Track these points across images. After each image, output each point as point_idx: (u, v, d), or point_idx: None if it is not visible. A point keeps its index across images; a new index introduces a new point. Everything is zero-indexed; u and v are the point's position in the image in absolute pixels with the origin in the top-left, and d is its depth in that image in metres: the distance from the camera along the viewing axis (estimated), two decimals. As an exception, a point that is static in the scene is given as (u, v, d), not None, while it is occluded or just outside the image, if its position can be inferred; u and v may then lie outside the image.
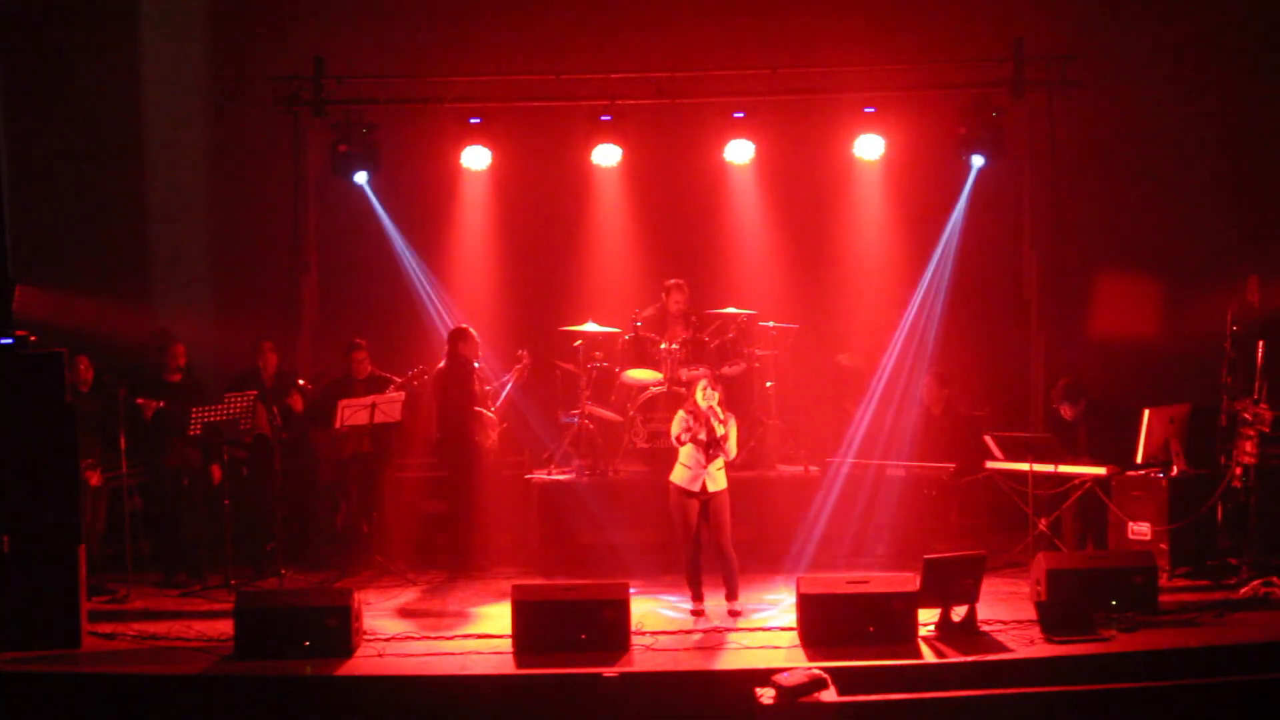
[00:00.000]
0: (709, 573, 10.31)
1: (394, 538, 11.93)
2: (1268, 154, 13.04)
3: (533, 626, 9.40)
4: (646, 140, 13.06)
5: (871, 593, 9.51)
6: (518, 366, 12.16)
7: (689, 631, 9.82)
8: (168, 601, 10.92)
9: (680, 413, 10.27)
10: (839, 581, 9.70)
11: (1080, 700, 8.58)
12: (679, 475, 10.21)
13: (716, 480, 10.20)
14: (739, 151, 12.93)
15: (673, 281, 12.56)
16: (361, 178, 12.80)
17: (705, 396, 10.13)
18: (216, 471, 11.41)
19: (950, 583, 9.62)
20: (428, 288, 13.11)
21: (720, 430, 10.08)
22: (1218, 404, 11.07)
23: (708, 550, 10.27)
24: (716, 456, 10.16)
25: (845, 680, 8.62)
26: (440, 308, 13.01)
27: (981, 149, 12.59)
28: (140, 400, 11.26)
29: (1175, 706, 8.54)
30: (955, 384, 12.25)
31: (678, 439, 10.18)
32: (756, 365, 12.43)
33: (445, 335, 11.98)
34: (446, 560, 11.69)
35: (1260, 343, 10.84)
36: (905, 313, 12.81)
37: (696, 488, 10.16)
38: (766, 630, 9.77)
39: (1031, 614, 9.71)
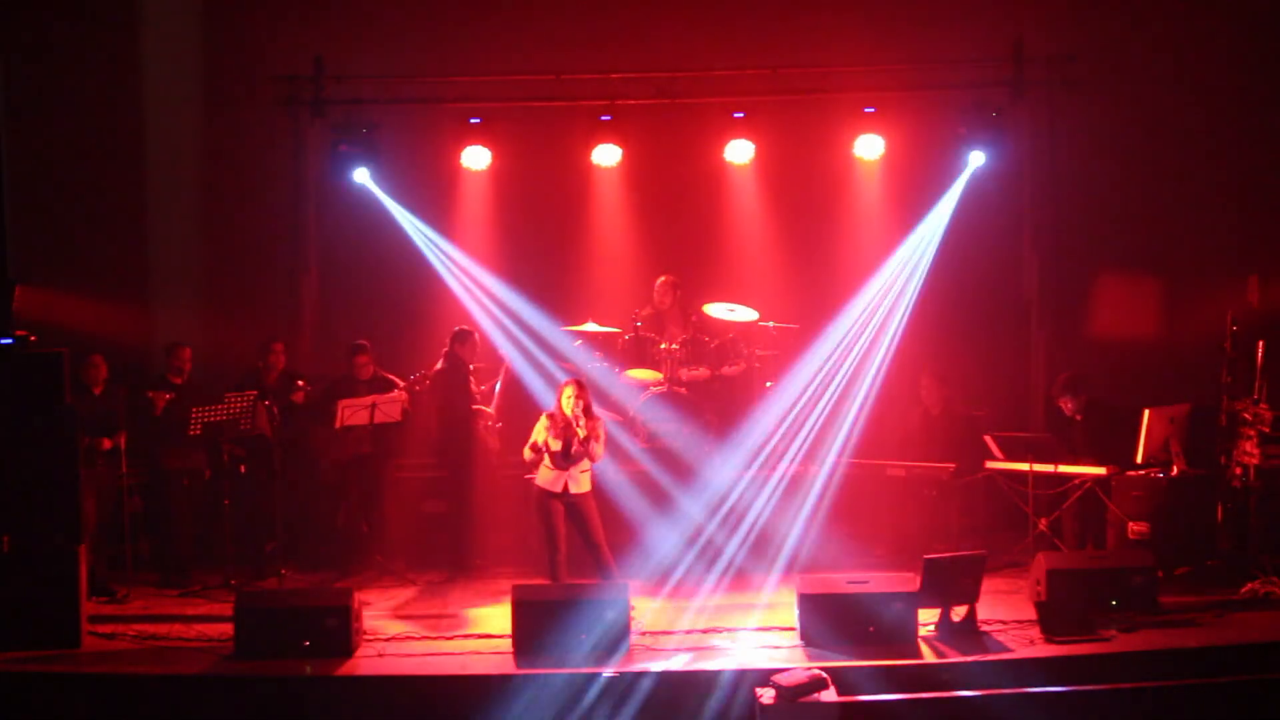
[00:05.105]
0: (580, 575, 10.46)
1: (394, 538, 11.93)
2: (1268, 154, 13.03)
3: (532, 626, 9.40)
4: (646, 140, 13.05)
5: (871, 593, 9.51)
6: (503, 366, 12.19)
7: (688, 632, 9.82)
8: (168, 601, 10.92)
9: (543, 417, 10.44)
10: (839, 581, 9.70)
11: (1080, 700, 8.60)
12: (542, 476, 10.39)
13: (579, 482, 10.39)
14: (739, 151, 12.93)
15: (660, 279, 12.63)
16: (363, 174, 12.79)
17: (570, 404, 10.29)
18: (207, 473, 11.46)
19: (950, 583, 9.62)
20: (430, 285, 13.10)
21: (582, 434, 10.23)
22: (1218, 404, 11.07)
23: (582, 553, 10.43)
24: (579, 460, 10.31)
25: (845, 680, 8.64)
26: (443, 307, 12.99)
27: (981, 149, 12.58)
28: (150, 393, 11.30)
29: (1175, 706, 8.56)
30: (954, 384, 12.25)
31: (534, 446, 10.36)
32: (756, 365, 12.44)
33: (449, 335, 11.95)
34: (446, 560, 11.69)
35: (1260, 343, 10.84)
36: (905, 312, 12.78)
37: (558, 489, 10.31)
38: (766, 630, 9.78)
39: (1031, 614, 9.72)
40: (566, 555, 10.41)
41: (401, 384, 11.72)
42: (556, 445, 10.33)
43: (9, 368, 9.86)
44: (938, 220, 12.77)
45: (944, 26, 13.04)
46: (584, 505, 10.43)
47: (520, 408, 11.99)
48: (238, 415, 11.20)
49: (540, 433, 10.44)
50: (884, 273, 12.77)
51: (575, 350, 12.33)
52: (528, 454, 10.49)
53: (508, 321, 12.59)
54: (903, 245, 12.82)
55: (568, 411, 10.35)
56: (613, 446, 12.11)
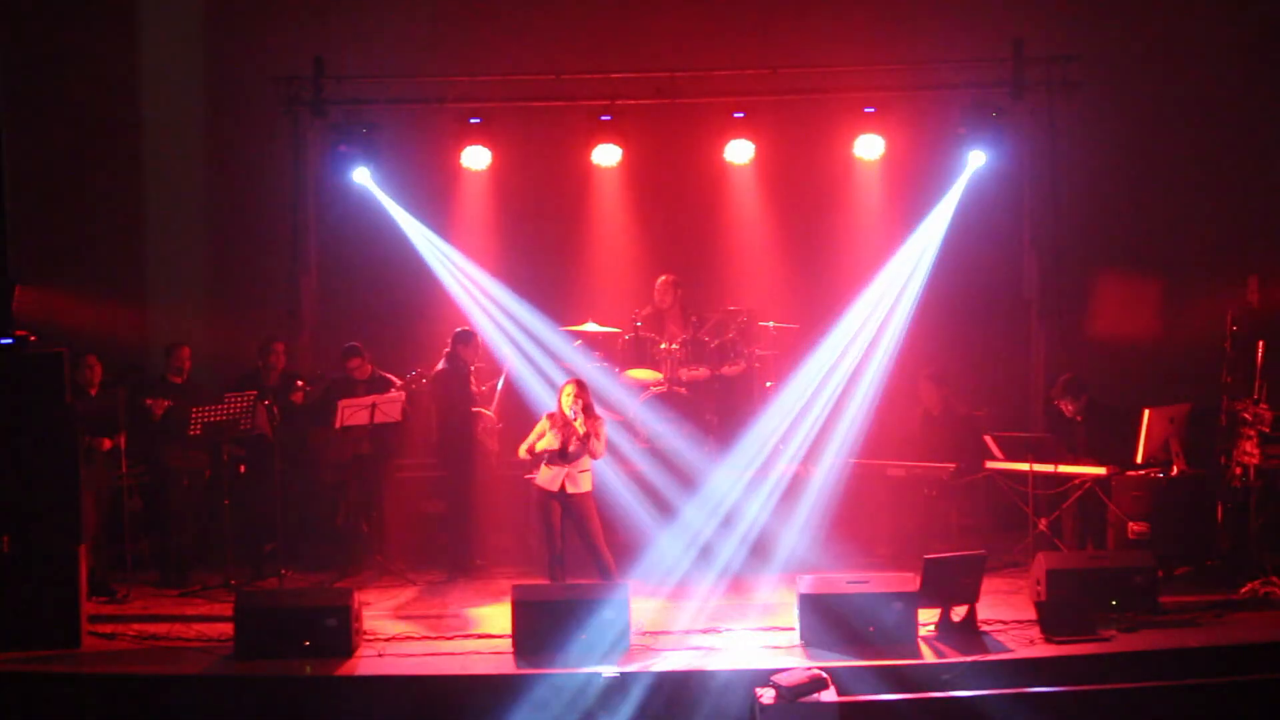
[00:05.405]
0: (580, 575, 10.50)
1: (394, 538, 11.92)
2: (1268, 153, 13.03)
3: (532, 627, 9.40)
4: (646, 140, 13.05)
5: (871, 593, 9.51)
6: (504, 368, 12.19)
7: (688, 632, 9.82)
8: (168, 601, 10.91)
9: (544, 418, 10.53)
10: (839, 581, 9.70)
11: (1080, 700, 8.60)
12: (541, 476, 10.49)
13: (578, 482, 10.46)
14: (739, 151, 12.92)
15: (661, 279, 12.63)
16: (364, 174, 12.77)
17: (570, 403, 10.37)
18: (207, 473, 11.45)
19: (950, 583, 9.62)
20: (430, 285, 13.10)
21: (581, 431, 10.31)
22: (1218, 404, 11.06)
23: (582, 553, 10.49)
24: (579, 459, 10.40)
25: (845, 680, 8.65)
26: (443, 307, 12.98)
27: (981, 149, 12.58)
28: (149, 401, 11.28)
29: (1175, 706, 8.56)
30: (951, 383, 12.24)
31: (530, 447, 10.47)
32: (756, 365, 12.44)
33: (449, 336, 11.94)
34: (446, 560, 11.69)
35: (1260, 343, 10.84)
36: (906, 312, 12.77)
37: (555, 488, 10.40)
38: (766, 630, 9.78)
39: (1031, 614, 9.72)
40: (564, 554, 10.44)
41: (399, 383, 11.71)
42: (555, 444, 10.36)
43: (9, 368, 9.86)
44: (938, 220, 12.75)
45: (944, 26, 13.04)
46: (582, 505, 10.45)
47: (520, 409, 12.00)
48: (238, 415, 11.19)
49: (540, 433, 10.46)
50: (884, 273, 12.76)
51: (575, 351, 12.32)
52: (522, 452, 10.55)
53: (506, 322, 12.58)
54: (903, 245, 12.81)
55: (567, 411, 10.38)
56: (612, 447, 12.13)
